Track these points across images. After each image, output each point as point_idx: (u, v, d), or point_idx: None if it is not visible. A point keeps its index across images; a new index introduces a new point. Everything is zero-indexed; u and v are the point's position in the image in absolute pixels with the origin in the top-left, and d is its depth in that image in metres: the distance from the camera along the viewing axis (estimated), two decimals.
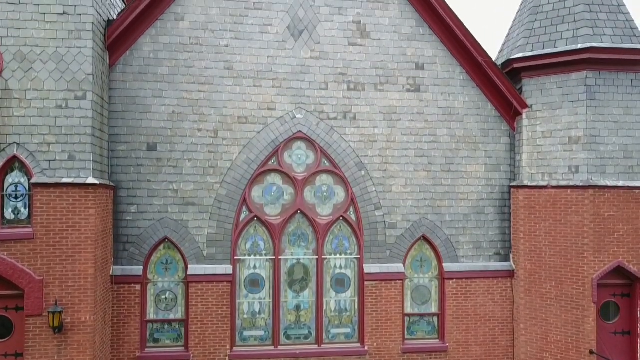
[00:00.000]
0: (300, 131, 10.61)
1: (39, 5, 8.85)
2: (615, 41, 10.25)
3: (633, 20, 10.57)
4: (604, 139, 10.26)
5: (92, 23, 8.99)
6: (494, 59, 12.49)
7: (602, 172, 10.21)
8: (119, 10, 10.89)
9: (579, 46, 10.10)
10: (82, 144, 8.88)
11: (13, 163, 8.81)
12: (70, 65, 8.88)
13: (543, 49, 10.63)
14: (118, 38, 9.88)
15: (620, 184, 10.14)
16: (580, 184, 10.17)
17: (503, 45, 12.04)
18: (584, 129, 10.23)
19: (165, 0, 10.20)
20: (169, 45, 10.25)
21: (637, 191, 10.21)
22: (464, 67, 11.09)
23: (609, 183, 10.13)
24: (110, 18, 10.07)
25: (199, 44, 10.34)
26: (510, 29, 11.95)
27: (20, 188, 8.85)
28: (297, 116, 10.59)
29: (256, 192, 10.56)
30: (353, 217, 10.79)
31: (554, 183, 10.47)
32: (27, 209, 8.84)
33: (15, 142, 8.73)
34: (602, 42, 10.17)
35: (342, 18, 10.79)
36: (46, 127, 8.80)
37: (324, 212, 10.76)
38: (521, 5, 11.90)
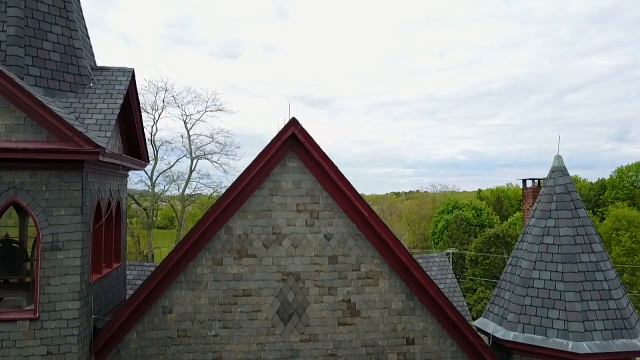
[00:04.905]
0: None
1: (22, 347, 8.73)
2: (606, 337, 10.22)
3: (624, 307, 10.54)
4: None
5: None
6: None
7: None
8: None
9: (570, 348, 10.06)
10: None
11: None
12: None
13: (534, 333, 10.57)
14: (104, 345, 9.76)
15: None
16: None
17: (494, 297, 11.96)
18: None
19: (152, 296, 10.09)
20: (157, 340, 10.12)
21: None
22: (454, 339, 11.02)
23: None
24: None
25: (186, 336, 10.22)
26: (501, 282, 11.89)
27: None
28: None
29: None
30: None
31: None
32: None
33: None
34: (593, 340, 10.14)
35: (332, 298, 10.70)
36: None
37: None
38: (512, 258, 11.85)
